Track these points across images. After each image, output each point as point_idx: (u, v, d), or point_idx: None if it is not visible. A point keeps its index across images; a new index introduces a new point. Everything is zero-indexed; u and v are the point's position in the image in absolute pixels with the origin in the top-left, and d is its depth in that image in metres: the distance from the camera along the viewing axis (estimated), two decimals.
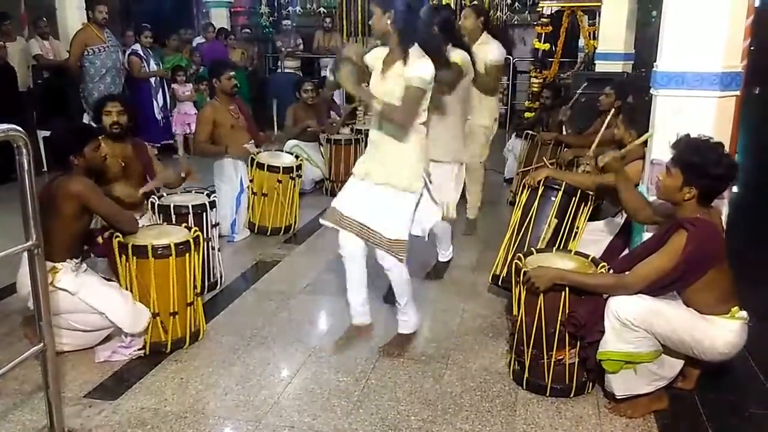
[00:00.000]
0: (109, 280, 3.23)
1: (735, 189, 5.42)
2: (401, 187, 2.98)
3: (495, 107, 4.92)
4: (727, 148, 3.16)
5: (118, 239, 3.11)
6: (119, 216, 3.14)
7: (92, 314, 3.03)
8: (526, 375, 2.91)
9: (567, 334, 2.73)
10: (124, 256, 3.10)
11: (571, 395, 2.84)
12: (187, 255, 3.18)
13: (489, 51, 4.57)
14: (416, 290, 4.00)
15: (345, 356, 3.20)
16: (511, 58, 10.36)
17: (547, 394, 2.85)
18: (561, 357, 2.79)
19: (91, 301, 3.02)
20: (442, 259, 4.25)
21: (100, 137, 3.31)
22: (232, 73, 4.88)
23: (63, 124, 3.99)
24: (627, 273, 2.62)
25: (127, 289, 3.13)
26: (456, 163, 4.01)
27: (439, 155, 3.75)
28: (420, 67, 2.84)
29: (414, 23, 2.85)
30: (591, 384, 2.89)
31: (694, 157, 2.52)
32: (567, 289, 2.68)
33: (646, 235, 3.05)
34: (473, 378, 3.03)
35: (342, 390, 2.91)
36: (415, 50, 2.87)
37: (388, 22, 2.85)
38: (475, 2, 5.65)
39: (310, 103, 6.38)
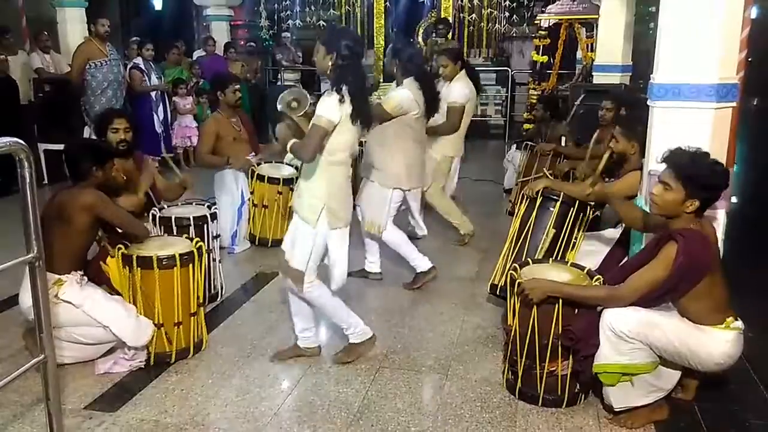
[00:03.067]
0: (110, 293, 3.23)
1: (734, 199, 5.44)
2: (301, 216, 3.05)
3: (450, 144, 5.03)
4: (723, 159, 3.19)
5: (121, 251, 3.13)
6: (132, 223, 3.22)
7: (96, 327, 3.03)
8: (518, 384, 2.92)
9: (560, 346, 2.74)
10: (128, 268, 3.11)
11: (563, 406, 2.85)
12: (191, 265, 3.20)
13: (450, 92, 4.84)
14: (415, 300, 4.03)
15: (345, 368, 3.20)
16: (509, 70, 10.41)
17: (539, 404, 2.86)
18: (553, 368, 2.80)
19: (96, 314, 3.02)
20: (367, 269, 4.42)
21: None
22: (238, 86, 4.92)
23: (84, 139, 4.11)
24: (620, 285, 2.64)
25: (130, 301, 3.14)
26: (387, 188, 4.11)
27: (373, 177, 4.11)
28: (322, 105, 2.91)
29: (344, 68, 2.93)
30: (583, 395, 2.89)
31: (694, 170, 2.52)
32: (560, 301, 2.69)
33: None
34: (473, 389, 3.03)
35: (342, 401, 2.91)
36: (329, 90, 2.95)
37: (329, 63, 2.96)
38: (449, 47, 5.92)
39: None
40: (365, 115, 3.02)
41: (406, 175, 4.11)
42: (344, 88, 2.90)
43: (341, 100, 2.89)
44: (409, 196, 4.30)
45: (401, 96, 4.00)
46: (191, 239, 3.40)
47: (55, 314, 2.94)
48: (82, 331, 3.06)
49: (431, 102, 4.14)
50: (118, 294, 3.17)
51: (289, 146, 2.98)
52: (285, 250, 3.13)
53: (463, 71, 4.99)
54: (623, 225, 3.50)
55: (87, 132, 6.71)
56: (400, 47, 4.16)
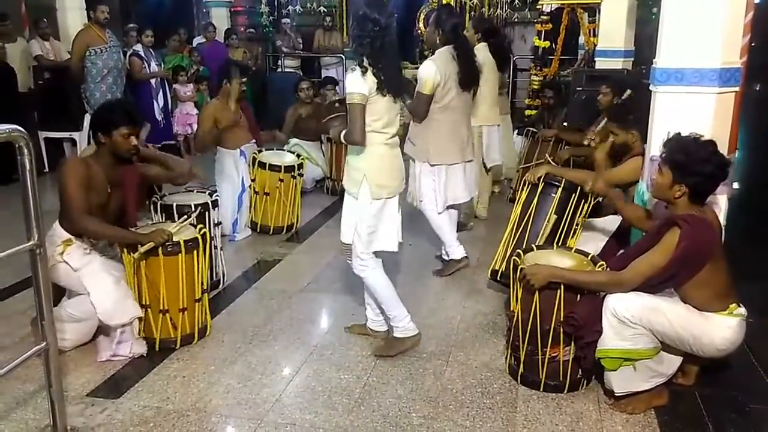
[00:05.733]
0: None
1: (736, 186, 5.43)
2: (347, 189, 3.08)
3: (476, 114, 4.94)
4: (726, 144, 3.18)
5: None
6: (80, 217, 3.02)
7: (83, 297, 3.07)
8: (521, 370, 2.93)
9: (562, 332, 2.74)
10: (132, 254, 3.12)
11: (565, 391, 2.86)
12: (196, 252, 3.21)
13: None
14: (418, 286, 4.03)
15: (346, 354, 3.22)
16: (511, 55, 10.33)
17: (541, 390, 2.87)
18: (555, 354, 2.81)
19: (86, 280, 3.06)
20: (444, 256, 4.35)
21: (135, 126, 3.17)
22: (244, 80, 4.90)
23: (108, 103, 3.78)
24: (622, 270, 2.63)
25: (134, 286, 3.15)
26: (419, 161, 4.09)
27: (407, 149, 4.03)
28: (348, 82, 2.90)
29: (361, 38, 2.91)
30: (585, 381, 2.90)
31: (682, 156, 2.53)
32: (562, 286, 2.69)
33: None
34: (474, 374, 3.04)
35: (343, 387, 2.92)
36: (355, 65, 2.92)
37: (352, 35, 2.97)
38: (479, 15, 6.02)
39: (308, 102, 6.42)
40: (394, 85, 2.96)
41: (434, 150, 4.03)
42: (364, 60, 2.89)
43: (363, 72, 2.87)
44: (449, 171, 4.12)
45: (426, 72, 3.87)
46: (194, 225, 3.40)
47: (55, 271, 3.02)
48: (71, 305, 3.11)
49: (467, 73, 3.99)
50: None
51: (342, 138, 2.99)
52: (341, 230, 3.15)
53: (484, 44, 4.93)
54: None
55: (87, 119, 6.68)
56: (445, 16, 4.00)
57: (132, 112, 3.19)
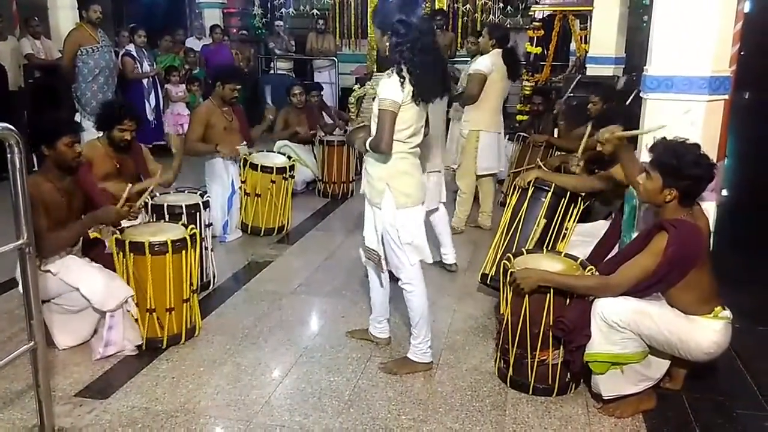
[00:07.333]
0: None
1: (725, 192, 5.48)
2: (369, 199, 3.02)
3: (475, 117, 5.03)
4: (715, 152, 3.21)
5: (115, 236, 3.15)
6: (42, 237, 2.94)
7: (72, 291, 3.06)
8: (510, 373, 2.94)
9: (551, 336, 2.76)
10: (121, 253, 3.12)
11: (554, 395, 2.87)
12: (184, 252, 3.20)
13: (475, 62, 5.08)
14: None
15: (336, 357, 3.21)
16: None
17: (530, 393, 2.88)
18: (544, 357, 2.82)
19: (68, 278, 3.06)
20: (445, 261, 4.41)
21: (76, 134, 3.16)
22: (239, 87, 4.89)
23: (51, 112, 3.85)
24: (611, 275, 2.65)
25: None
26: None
27: None
28: (384, 87, 2.79)
29: (400, 45, 2.79)
30: (574, 385, 2.92)
31: (672, 160, 2.55)
32: (552, 290, 2.70)
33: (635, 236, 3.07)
34: (464, 378, 3.04)
35: (333, 389, 2.92)
36: (390, 71, 2.81)
37: (387, 44, 2.84)
38: (494, 22, 6.15)
39: (300, 106, 6.43)
40: (429, 93, 2.85)
41: None
42: (403, 68, 2.77)
43: (401, 80, 2.76)
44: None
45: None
46: (185, 226, 3.39)
47: (41, 285, 2.94)
48: (63, 300, 3.10)
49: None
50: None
51: (367, 146, 2.88)
52: (364, 236, 3.11)
53: (498, 51, 4.96)
54: (613, 216, 3.53)
55: (77, 119, 6.65)
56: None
57: (71, 121, 3.27)
